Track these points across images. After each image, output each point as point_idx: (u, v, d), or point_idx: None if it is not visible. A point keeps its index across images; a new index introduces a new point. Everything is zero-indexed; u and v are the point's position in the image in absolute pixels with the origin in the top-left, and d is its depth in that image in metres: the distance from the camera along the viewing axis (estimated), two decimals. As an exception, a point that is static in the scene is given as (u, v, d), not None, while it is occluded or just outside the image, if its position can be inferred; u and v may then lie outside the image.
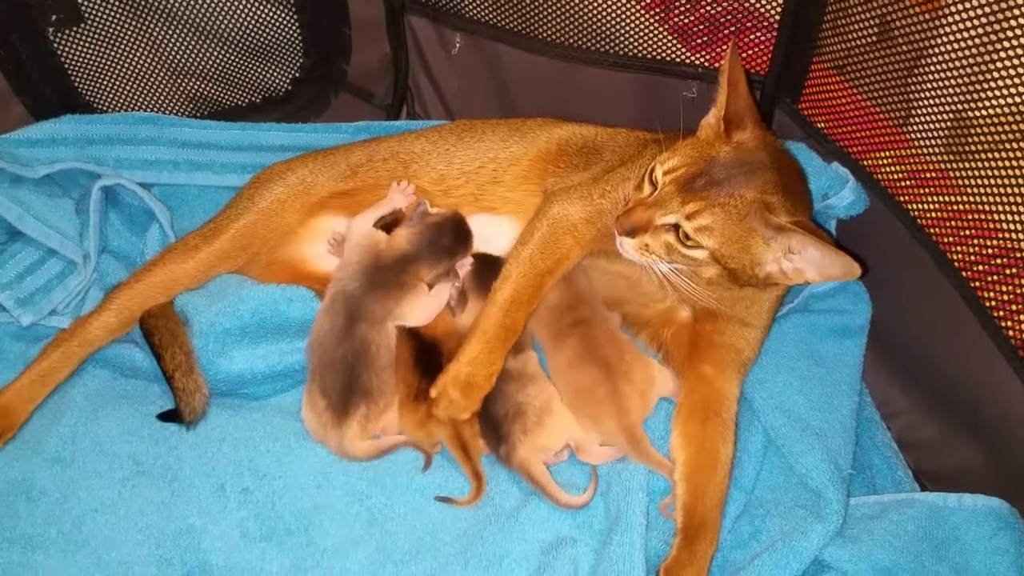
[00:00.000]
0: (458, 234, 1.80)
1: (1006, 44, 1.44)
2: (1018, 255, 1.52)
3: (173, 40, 2.18)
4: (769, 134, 1.59)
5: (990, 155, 1.54)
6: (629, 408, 1.61)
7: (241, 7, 2.18)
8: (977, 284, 1.61)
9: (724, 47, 2.07)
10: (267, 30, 2.24)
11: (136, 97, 2.25)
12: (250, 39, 2.24)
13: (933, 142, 1.70)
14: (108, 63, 2.17)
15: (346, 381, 1.60)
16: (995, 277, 1.57)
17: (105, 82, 2.20)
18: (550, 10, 2.17)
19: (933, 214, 1.72)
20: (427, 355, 1.69)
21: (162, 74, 2.23)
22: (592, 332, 1.70)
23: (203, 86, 2.29)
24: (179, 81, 2.26)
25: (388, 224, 1.83)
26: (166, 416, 1.66)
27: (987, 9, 1.46)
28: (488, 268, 1.76)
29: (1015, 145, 1.48)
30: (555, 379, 1.69)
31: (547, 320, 1.74)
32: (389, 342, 1.68)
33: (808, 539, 1.51)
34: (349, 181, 1.94)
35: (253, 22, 2.21)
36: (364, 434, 1.60)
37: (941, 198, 1.69)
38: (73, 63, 2.13)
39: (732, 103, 1.54)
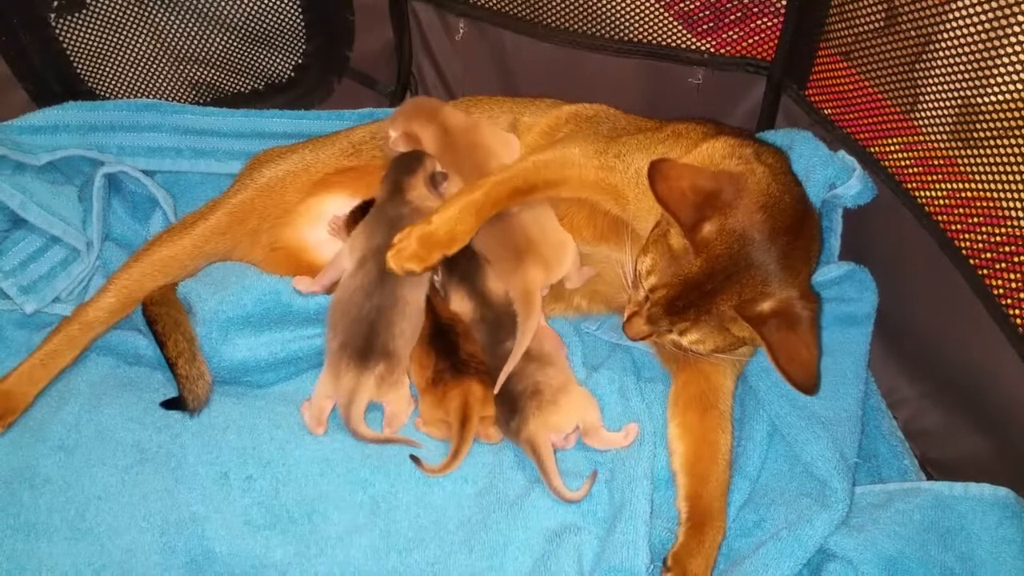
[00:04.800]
0: (409, 153, 1.89)
1: (1016, 29, 1.42)
2: (1026, 242, 1.51)
3: (175, 26, 2.17)
4: (735, 210, 1.48)
5: (998, 142, 1.53)
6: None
7: (244, -8, 2.18)
8: (984, 272, 1.60)
9: (730, 32, 2.06)
10: (270, 15, 2.23)
11: (139, 84, 2.24)
12: (253, 25, 2.23)
13: (940, 129, 1.68)
14: (110, 49, 2.16)
15: (367, 338, 1.61)
16: (1003, 265, 1.56)
17: (107, 68, 2.19)
18: (554, -5, 2.16)
19: (940, 201, 1.70)
20: (442, 337, 1.70)
21: (165, 60, 2.23)
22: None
23: (206, 72, 2.28)
24: (182, 67, 2.25)
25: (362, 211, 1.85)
26: (169, 404, 1.65)
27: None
28: (463, 257, 1.77)
29: (1024, 132, 1.47)
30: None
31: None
32: (420, 302, 1.70)
33: (813, 528, 1.50)
34: (352, 158, 1.95)
35: (256, 7, 2.20)
36: (378, 394, 1.61)
37: (948, 185, 1.68)
38: (75, 49, 2.12)
39: (682, 217, 1.46)
